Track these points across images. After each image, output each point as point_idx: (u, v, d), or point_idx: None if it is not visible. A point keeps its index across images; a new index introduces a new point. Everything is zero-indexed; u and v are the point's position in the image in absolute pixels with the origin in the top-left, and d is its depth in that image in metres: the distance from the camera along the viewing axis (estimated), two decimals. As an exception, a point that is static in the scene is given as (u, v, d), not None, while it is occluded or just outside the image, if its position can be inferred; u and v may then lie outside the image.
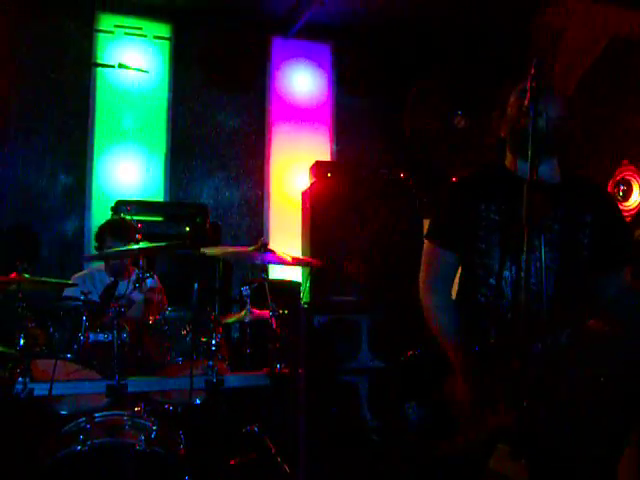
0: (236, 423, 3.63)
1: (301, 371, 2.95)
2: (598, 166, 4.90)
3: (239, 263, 5.57)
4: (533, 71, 1.96)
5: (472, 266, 2.32)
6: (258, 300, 3.52)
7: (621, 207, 4.69)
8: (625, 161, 4.69)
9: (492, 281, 2.25)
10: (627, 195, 4.67)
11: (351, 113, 6.45)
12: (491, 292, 2.25)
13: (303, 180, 5.85)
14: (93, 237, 4.03)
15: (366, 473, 3.94)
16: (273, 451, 3.54)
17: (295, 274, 5.64)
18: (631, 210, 4.64)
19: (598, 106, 4.94)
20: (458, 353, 2.20)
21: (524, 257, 1.84)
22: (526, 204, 1.86)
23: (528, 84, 1.96)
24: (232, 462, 3.38)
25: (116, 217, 4.69)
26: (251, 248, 3.28)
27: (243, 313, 3.45)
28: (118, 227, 3.93)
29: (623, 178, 4.70)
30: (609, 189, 4.79)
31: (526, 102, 1.96)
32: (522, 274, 1.91)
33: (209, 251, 3.35)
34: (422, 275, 2.43)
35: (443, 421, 2.29)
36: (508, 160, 2.41)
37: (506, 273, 2.22)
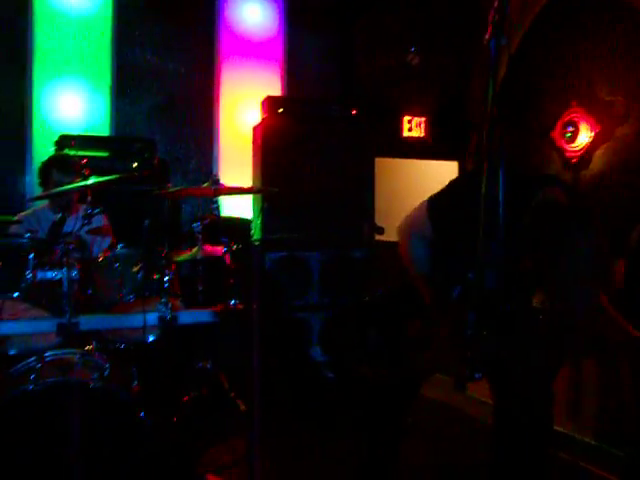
0: (189, 360, 3.63)
1: (255, 306, 2.95)
2: (547, 107, 4.96)
3: (188, 199, 5.51)
4: (496, 4, 1.92)
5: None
6: (208, 237, 3.48)
7: (568, 148, 4.79)
8: (573, 102, 4.74)
9: None
10: (574, 136, 4.75)
11: (303, 47, 6.30)
12: None
13: (254, 115, 5.73)
14: (35, 173, 3.89)
15: (319, 407, 4.03)
16: (226, 387, 3.57)
17: (246, 211, 5.60)
18: (578, 151, 4.72)
19: (550, 47, 4.96)
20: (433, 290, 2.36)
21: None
22: (487, 138, 1.86)
23: (490, 17, 1.92)
24: (185, 398, 3.40)
25: (60, 152, 4.54)
26: (204, 185, 3.25)
27: (195, 250, 3.42)
28: (64, 161, 3.80)
29: (571, 120, 4.77)
30: (557, 130, 4.86)
31: (487, 36, 1.92)
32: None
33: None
34: (409, 217, 2.52)
35: (396, 350, 2.40)
36: None
37: None
